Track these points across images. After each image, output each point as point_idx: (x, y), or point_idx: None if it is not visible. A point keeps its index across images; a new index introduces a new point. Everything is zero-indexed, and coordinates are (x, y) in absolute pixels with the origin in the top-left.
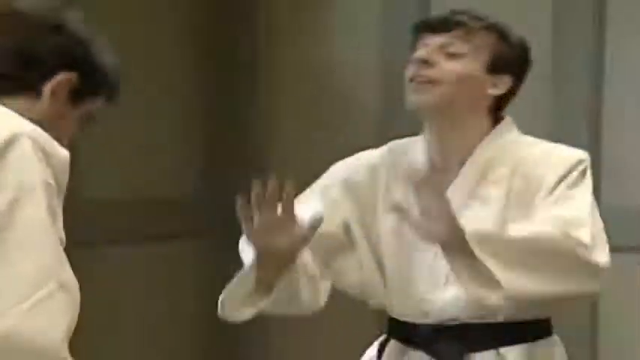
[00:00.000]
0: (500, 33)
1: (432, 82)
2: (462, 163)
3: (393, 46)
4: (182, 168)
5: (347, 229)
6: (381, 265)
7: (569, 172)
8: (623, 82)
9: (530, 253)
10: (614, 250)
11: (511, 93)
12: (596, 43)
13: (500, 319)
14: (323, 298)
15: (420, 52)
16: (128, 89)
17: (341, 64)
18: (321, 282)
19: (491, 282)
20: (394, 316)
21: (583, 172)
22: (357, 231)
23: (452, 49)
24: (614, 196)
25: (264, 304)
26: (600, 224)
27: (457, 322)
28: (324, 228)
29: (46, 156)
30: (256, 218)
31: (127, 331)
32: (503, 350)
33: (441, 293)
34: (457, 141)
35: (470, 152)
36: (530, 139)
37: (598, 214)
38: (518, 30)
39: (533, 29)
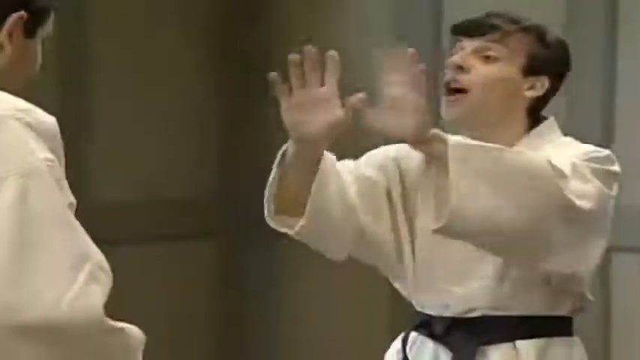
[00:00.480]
0: (536, 34)
1: (463, 90)
2: None
3: (405, 46)
4: (196, 169)
5: (389, 194)
6: (413, 249)
7: (580, 156)
8: (636, 81)
9: (506, 171)
10: (627, 250)
11: (550, 93)
12: (608, 43)
13: (515, 312)
14: (350, 241)
15: (455, 58)
16: (142, 91)
17: (352, 64)
18: (353, 218)
19: (448, 195)
20: (417, 308)
21: (598, 159)
22: (397, 205)
23: (488, 53)
24: (626, 195)
25: (302, 221)
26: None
27: (474, 315)
28: (369, 174)
29: (36, 131)
30: (295, 92)
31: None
32: (519, 344)
33: (463, 286)
34: (495, 143)
35: None
36: (567, 140)
37: (607, 203)
38: None
39: None
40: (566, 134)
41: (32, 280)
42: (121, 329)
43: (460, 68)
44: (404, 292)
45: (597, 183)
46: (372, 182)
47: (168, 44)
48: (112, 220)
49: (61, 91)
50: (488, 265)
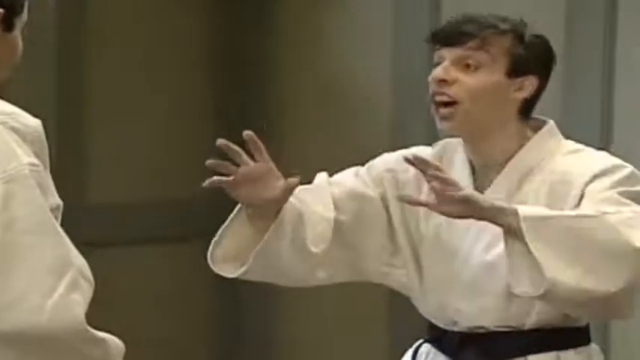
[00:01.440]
0: (514, 35)
1: (453, 103)
2: (502, 165)
3: (405, 49)
4: (193, 170)
5: (386, 208)
6: (419, 267)
7: (613, 185)
8: (635, 81)
9: (576, 242)
10: None
11: (540, 91)
12: (607, 43)
13: (527, 326)
14: (319, 274)
15: (438, 72)
16: (138, 91)
17: (352, 66)
18: (320, 258)
19: (535, 272)
20: (427, 318)
21: (629, 181)
22: (397, 226)
23: (468, 62)
24: None
25: (251, 258)
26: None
27: (485, 331)
28: (362, 193)
29: (20, 135)
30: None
31: (137, 333)
32: (531, 358)
33: (472, 304)
34: (492, 149)
35: (509, 156)
36: (571, 146)
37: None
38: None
39: (545, 30)
40: (565, 134)
41: (13, 287)
42: (102, 339)
43: (444, 82)
44: (415, 303)
45: (639, 209)
46: (368, 199)
47: (167, 45)
48: (110, 222)
49: (58, 91)
50: (497, 283)
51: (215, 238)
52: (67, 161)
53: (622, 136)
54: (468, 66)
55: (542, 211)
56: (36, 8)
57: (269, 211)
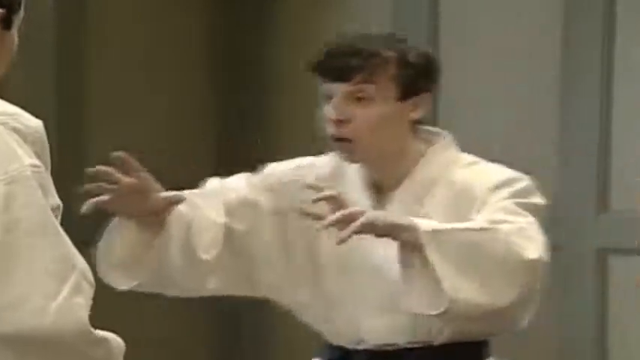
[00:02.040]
0: (398, 59)
1: (352, 139)
2: (400, 182)
3: None
4: (194, 169)
5: (284, 222)
6: (320, 282)
7: (509, 197)
8: (634, 82)
9: (470, 255)
10: (624, 253)
11: (430, 103)
12: (605, 53)
13: (437, 342)
14: (209, 283)
15: (331, 114)
16: (138, 91)
17: None
18: (211, 263)
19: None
20: (327, 339)
21: (524, 193)
22: (296, 239)
23: (359, 95)
24: (623, 199)
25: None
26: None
27: (393, 348)
28: (254, 201)
29: (22, 136)
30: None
31: (137, 333)
32: None
33: (379, 319)
34: (391, 169)
35: (406, 172)
36: (468, 158)
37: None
38: (527, 45)
39: (543, 30)
40: (564, 135)
41: (14, 288)
42: (105, 339)
43: (340, 121)
44: (309, 321)
45: (533, 220)
46: (261, 209)
47: (167, 45)
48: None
49: (58, 91)
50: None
51: (100, 245)
52: (67, 161)
53: (621, 136)
54: (359, 99)
55: (439, 224)
56: (35, 8)
57: (152, 222)
